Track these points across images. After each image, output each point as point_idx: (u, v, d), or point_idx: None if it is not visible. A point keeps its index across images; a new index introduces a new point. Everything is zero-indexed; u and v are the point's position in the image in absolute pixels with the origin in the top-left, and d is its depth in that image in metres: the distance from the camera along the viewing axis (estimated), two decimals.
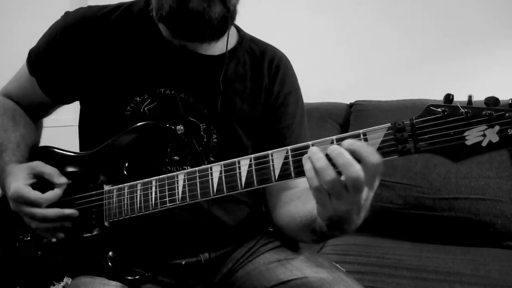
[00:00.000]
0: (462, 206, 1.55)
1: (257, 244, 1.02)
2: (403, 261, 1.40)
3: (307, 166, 0.67)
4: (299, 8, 2.27)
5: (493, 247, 1.52)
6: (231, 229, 1.00)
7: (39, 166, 0.93)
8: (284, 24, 2.26)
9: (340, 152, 0.64)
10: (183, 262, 0.95)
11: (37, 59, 1.02)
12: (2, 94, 1.11)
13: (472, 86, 2.09)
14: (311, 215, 0.81)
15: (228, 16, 0.90)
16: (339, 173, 0.64)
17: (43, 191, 0.90)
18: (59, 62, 0.99)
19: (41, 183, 0.92)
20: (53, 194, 0.90)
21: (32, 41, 1.05)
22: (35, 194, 0.89)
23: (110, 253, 0.89)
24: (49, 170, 0.92)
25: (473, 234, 1.55)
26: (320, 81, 2.18)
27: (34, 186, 0.91)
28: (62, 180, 0.92)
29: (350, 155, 0.63)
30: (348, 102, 2.02)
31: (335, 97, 2.07)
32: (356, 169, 0.63)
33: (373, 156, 0.63)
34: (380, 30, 2.16)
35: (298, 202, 0.91)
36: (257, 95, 1.02)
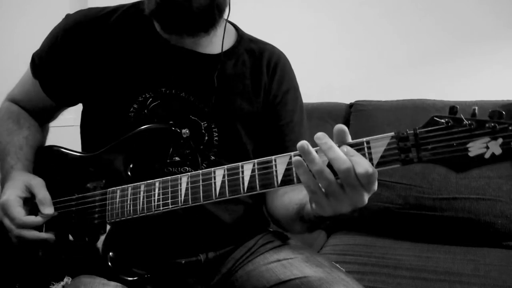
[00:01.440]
0: (462, 206, 1.55)
1: (256, 244, 1.02)
2: (403, 261, 1.39)
3: (300, 170, 0.68)
4: (299, 8, 2.27)
5: (493, 247, 1.52)
6: (230, 229, 1.00)
7: (36, 187, 0.93)
8: (284, 24, 2.26)
9: (330, 145, 0.66)
10: (183, 262, 0.96)
11: (40, 62, 1.03)
12: (8, 99, 1.13)
13: (472, 86, 2.09)
14: (301, 202, 0.83)
15: (214, 5, 0.90)
16: (335, 174, 0.66)
17: (32, 209, 0.91)
18: (61, 64, 1.00)
19: (33, 201, 0.93)
20: (33, 220, 0.90)
21: (33, 43, 1.06)
22: (18, 212, 0.89)
23: (110, 253, 0.89)
24: (41, 196, 0.91)
25: (473, 234, 1.55)
26: (320, 81, 2.18)
27: (26, 201, 0.92)
28: (48, 211, 0.91)
29: (340, 150, 0.65)
30: (348, 102, 2.01)
31: (335, 97, 2.06)
32: (346, 162, 0.64)
33: (365, 164, 0.65)
34: (380, 30, 2.16)
35: (292, 193, 0.93)
36: (257, 93, 1.02)
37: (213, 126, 0.98)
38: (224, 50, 1.00)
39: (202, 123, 0.97)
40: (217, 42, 0.99)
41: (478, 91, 1.92)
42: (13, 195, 0.90)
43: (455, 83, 1.99)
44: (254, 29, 1.13)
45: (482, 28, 2.02)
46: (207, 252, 0.97)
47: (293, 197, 0.90)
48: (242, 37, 1.06)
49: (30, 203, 0.93)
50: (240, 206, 1.02)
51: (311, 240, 1.64)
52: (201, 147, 0.97)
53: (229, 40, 1.03)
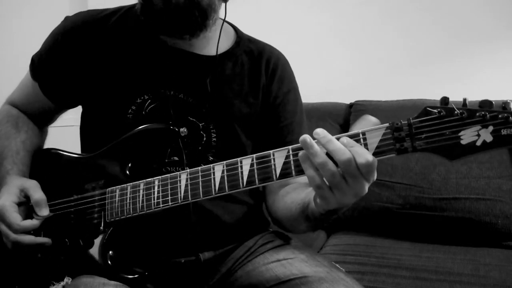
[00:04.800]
0: (462, 206, 1.55)
1: (256, 244, 1.02)
2: (403, 261, 1.40)
3: (305, 164, 0.70)
4: (299, 8, 2.27)
5: (493, 247, 1.52)
6: (230, 228, 1.00)
7: (31, 189, 0.92)
8: (284, 24, 2.26)
9: (329, 139, 0.68)
10: (183, 261, 0.96)
11: (39, 63, 1.04)
12: (7, 103, 1.13)
13: (472, 86, 2.09)
14: (303, 202, 0.84)
15: (194, 7, 0.88)
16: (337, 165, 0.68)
17: (28, 213, 0.91)
18: (60, 66, 1.00)
19: (29, 204, 0.93)
20: (29, 224, 0.89)
21: (33, 44, 1.06)
22: (14, 218, 0.88)
23: (110, 252, 0.89)
24: (36, 197, 0.91)
25: (473, 234, 1.55)
26: (320, 81, 2.18)
27: (21, 205, 0.92)
28: (43, 212, 0.91)
29: (338, 142, 0.67)
30: (348, 102, 2.02)
31: (335, 97, 2.07)
32: (346, 152, 0.67)
33: (366, 154, 0.67)
34: (380, 30, 2.16)
35: (294, 193, 0.93)
36: (255, 93, 1.02)
37: (211, 127, 0.98)
38: (222, 51, 1.00)
39: (200, 124, 0.97)
40: (215, 44, 0.99)
41: (478, 91, 1.92)
42: (8, 200, 0.90)
43: (455, 83, 1.98)
44: (254, 30, 1.13)
45: (482, 28, 2.02)
46: (206, 252, 0.98)
47: (295, 198, 0.91)
48: (241, 38, 1.06)
49: (25, 207, 0.92)
50: (239, 205, 1.02)
51: (311, 240, 1.64)
52: (199, 148, 0.97)
53: (228, 41, 1.03)
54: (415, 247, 1.53)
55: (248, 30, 1.11)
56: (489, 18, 2.01)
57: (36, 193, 0.92)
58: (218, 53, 1.00)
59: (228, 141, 0.99)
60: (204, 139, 0.98)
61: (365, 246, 1.53)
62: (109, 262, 0.89)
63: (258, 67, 1.04)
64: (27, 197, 0.93)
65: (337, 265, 0.95)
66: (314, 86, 2.04)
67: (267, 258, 0.97)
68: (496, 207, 1.53)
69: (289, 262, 0.93)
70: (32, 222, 0.90)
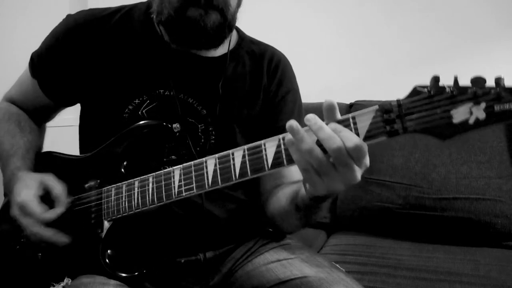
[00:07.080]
0: (462, 206, 1.55)
1: (256, 244, 1.02)
2: (403, 261, 1.39)
3: (291, 149, 0.68)
4: (299, 8, 2.27)
5: (493, 247, 1.52)
6: (229, 228, 1.00)
7: (49, 181, 0.93)
8: (284, 24, 2.26)
9: (320, 126, 0.66)
10: (182, 261, 0.96)
11: (39, 61, 1.03)
12: (5, 99, 1.13)
13: None
14: (293, 191, 0.82)
15: (226, 25, 0.91)
16: (325, 151, 0.65)
17: (48, 204, 0.91)
18: (60, 64, 1.00)
19: (48, 196, 0.93)
20: (53, 213, 0.90)
21: (33, 43, 1.06)
22: (38, 209, 0.89)
23: (108, 251, 0.89)
24: (57, 189, 0.92)
25: (473, 234, 1.55)
26: (320, 81, 2.18)
27: (41, 198, 0.92)
28: (64, 204, 0.92)
29: (330, 129, 0.65)
30: (348, 102, 2.02)
31: (335, 97, 2.04)
32: (337, 140, 0.64)
33: (354, 138, 0.64)
34: (380, 30, 2.16)
35: (286, 188, 0.93)
36: (256, 94, 1.02)
37: (210, 129, 0.98)
38: (225, 52, 1.00)
39: (199, 126, 0.97)
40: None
41: None
42: (30, 194, 0.90)
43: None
44: (254, 30, 1.13)
45: (483, 28, 2.02)
46: (206, 252, 0.97)
47: (287, 191, 0.90)
48: (243, 39, 1.06)
49: (45, 200, 0.92)
50: (238, 204, 1.02)
51: (311, 240, 1.64)
52: (197, 149, 0.97)
53: (231, 42, 1.03)
54: (415, 247, 1.53)
55: (248, 30, 1.11)
56: (489, 18, 2.01)
57: (56, 186, 0.93)
58: (221, 54, 1.00)
59: (226, 144, 0.98)
60: (202, 140, 0.97)
61: (365, 246, 1.53)
62: (107, 261, 0.89)
63: (260, 68, 1.04)
64: (45, 190, 0.93)
65: (337, 265, 0.95)
66: (314, 86, 2.04)
67: (267, 258, 0.97)
68: (496, 207, 1.53)
69: (290, 262, 0.93)
70: (55, 211, 0.90)
